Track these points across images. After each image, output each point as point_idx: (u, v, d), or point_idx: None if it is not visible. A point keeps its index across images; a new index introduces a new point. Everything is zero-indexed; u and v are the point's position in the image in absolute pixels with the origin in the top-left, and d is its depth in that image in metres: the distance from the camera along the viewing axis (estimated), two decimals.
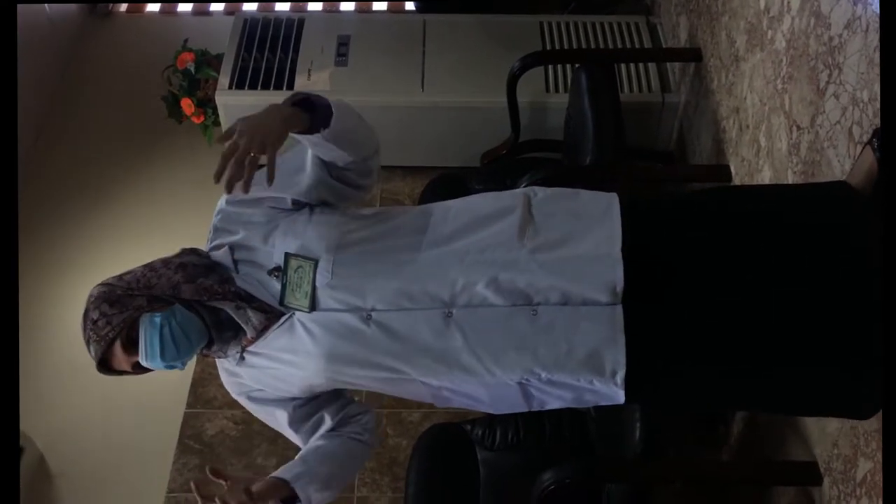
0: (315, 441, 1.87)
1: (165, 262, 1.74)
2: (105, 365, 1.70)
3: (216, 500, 1.64)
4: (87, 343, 1.68)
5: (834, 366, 1.65)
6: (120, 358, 1.68)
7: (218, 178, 1.56)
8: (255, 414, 1.90)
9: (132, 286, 1.70)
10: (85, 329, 1.68)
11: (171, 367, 1.69)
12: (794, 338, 1.65)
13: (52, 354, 3.18)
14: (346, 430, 1.89)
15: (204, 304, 1.69)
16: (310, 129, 1.65)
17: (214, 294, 1.69)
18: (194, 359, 1.79)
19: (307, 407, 1.86)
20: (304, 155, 1.76)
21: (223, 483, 1.68)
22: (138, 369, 1.71)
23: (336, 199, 1.80)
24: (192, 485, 1.68)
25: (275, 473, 1.79)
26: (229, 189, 1.57)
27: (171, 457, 3.07)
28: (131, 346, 1.67)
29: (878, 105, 1.75)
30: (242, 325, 1.70)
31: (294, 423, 1.86)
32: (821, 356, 1.65)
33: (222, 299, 1.69)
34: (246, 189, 1.56)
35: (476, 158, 3.43)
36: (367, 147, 1.77)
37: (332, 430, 1.88)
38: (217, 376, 1.87)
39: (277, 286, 1.70)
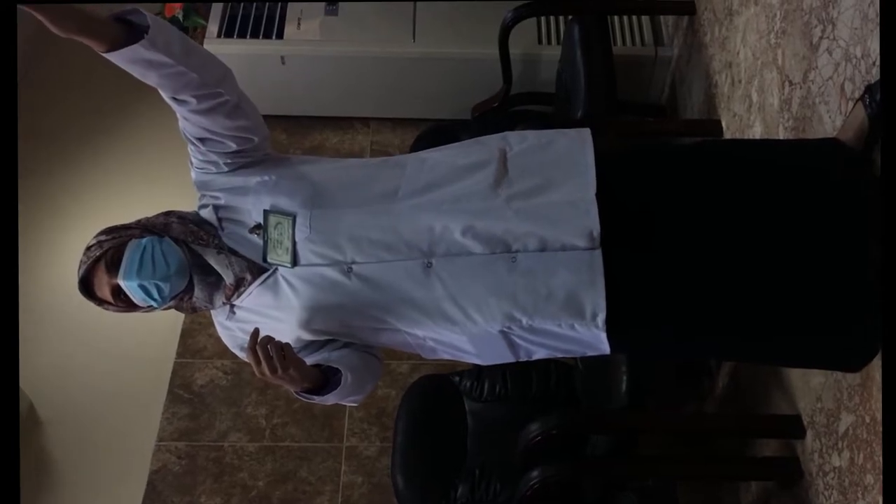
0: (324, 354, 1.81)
1: (165, 213, 1.78)
2: (87, 287, 1.71)
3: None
4: (79, 268, 1.70)
5: (824, 319, 1.66)
6: (101, 279, 1.69)
7: None
8: None
9: (131, 223, 1.74)
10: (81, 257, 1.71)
11: (146, 297, 1.68)
12: (784, 292, 1.65)
13: (41, 303, 3.17)
14: (353, 346, 1.83)
15: (189, 245, 1.72)
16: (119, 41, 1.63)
17: (199, 239, 1.72)
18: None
19: (304, 351, 1.82)
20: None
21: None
22: (118, 300, 1.70)
23: (253, 153, 1.78)
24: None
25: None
26: None
27: (160, 406, 3.09)
28: (114, 268, 1.67)
29: (870, 61, 1.74)
30: (220, 272, 1.71)
31: None
32: (811, 309, 1.66)
33: (206, 246, 1.72)
34: None
35: (467, 110, 3.41)
36: (200, 66, 1.64)
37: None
38: (206, 326, 1.89)
39: (260, 243, 1.71)
